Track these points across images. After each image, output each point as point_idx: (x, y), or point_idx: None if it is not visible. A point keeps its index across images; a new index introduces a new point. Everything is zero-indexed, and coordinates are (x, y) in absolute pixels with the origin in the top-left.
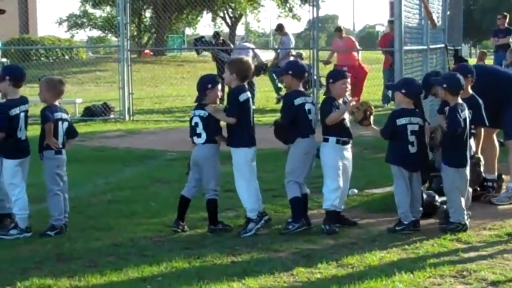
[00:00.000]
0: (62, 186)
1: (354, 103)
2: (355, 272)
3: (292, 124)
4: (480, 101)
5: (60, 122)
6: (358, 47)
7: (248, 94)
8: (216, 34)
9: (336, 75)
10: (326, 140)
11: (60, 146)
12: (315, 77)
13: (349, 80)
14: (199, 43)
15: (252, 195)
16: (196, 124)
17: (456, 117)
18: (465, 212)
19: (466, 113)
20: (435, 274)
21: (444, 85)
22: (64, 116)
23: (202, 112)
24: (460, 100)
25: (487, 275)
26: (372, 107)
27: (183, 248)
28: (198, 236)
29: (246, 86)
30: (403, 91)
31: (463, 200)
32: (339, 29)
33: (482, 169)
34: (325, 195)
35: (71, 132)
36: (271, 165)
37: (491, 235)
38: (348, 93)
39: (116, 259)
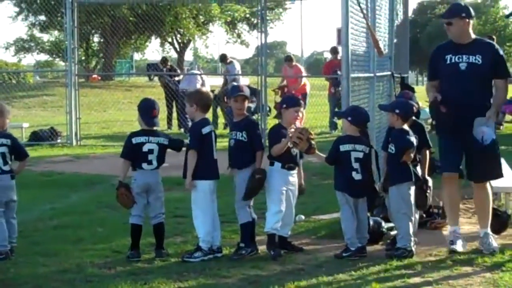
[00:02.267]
0: (5, 211)
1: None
2: None
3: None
4: (423, 125)
5: None
6: (305, 74)
7: (211, 127)
8: (164, 60)
9: (290, 101)
10: (271, 164)
11: None
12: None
13: (302, 108)
14: (151, 68)
15: (206, 226)
16: (151, 150)
17: (405, 136)
18: (412, 238)
19: (413, 138)
20: None
21: (397, 111)
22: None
23: (161, 139)
24: (406, 127)
25: None
26: (312, 133)
27: (129, 274)
28: (145, 261)
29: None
30: (349, 118)
31: (411, 226)
32: (289, 58)
33: (430, 192)
34: (267, 218)
35: (17, 155)
36: (218, 190)
37: (437, 261)
38: (297, 121)
39: (62, 285)
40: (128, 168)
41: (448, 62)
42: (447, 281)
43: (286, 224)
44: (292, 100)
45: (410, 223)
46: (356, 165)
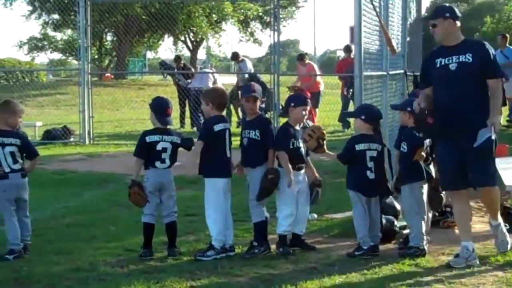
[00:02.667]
0: (17, 209)
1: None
2: None
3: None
4: None
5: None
6: (318, 73)
7: (226, 125)
8: (177, 58)
9: (297, 100)
10: (280, 165)
11: (7, 170)
12: (275, 101)
13: (309, 107)
14: (163, 66)
15: (218, 225)
16: (164, 149)
17: (417, 135)
18: (424, 237)
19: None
20: None
21: (409, 109)
22: (7, 140)
23: (175, 138)
24: None
25: None
26: (324, 133)
27: (142, 273)
28: (157, 260)
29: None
30: (363, 117)
31: (423, 225)
32: (302, 57)
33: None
34: (279, 221)
35: (28, 154)
36: (231, 189)
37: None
38: (306, 118)
39: (75, 283)
40: (141, 167)
41: (438, 65)
42: (459, 279)
43: (300, 222)
44: (299, 99)
45: (422, 222)
46: (370, 164)
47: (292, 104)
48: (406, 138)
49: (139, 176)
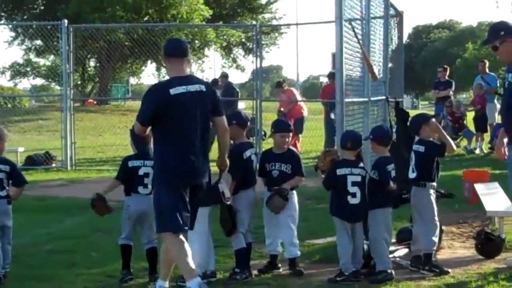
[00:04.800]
0: (2, 237)
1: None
2: None
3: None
4: None
5: None
6: (300, 98)
7: None
8: None
9: (278, 126)
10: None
11: None
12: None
13: (290, 134)
14: None
15: (202, 251)
16: (146, 174)
17: (384, 167)
18: (391, 261)
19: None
20: None
21: (371, 137)
22: None
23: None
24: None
25: None
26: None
27: None
28: (139, 286)
29: None
30: (342, 143)
31: (388, 250)
32: (279, 84)
33: None
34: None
35: (15, 180)
36: (213, 215)
37: (430, 286)
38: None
39: None
40: (115, 187)
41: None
42: None
43: (288, 245)
44: (280, 125)
45: (387, 247)
46: (353, 189)
47: (272, 130)
48: (375, 166)
49: (118, 202)
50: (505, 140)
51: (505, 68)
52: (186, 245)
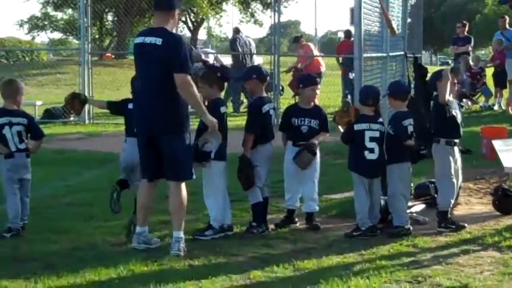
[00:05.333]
0: (20, 188)
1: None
2: (311, 276)
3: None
4: None
5: (7, 127)
6: (317, 53)
7: (225, 108)
8: None
9: (306, 81)
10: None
11: (13, 149)
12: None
13: (319, 86)
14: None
15: (217, 205)
16: None
17: (400, 122)
18: (408, 216)
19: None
20: (391, 279)
21: (388, 92)
22: (15, 120)
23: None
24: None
25: (442, 281)
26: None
27: (140, 251)
28: (156, 238)
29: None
30: (359, 99)
31: (405, 205)
32: (296, 39)
33: None
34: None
35: (33, 134)
36: (229, 169)
37: (447, 241)
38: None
39: (73, 262)
40: (101, 106)
41: None
42: (456, 260)
43: (306, 200)
44: (308, 79)
45: (405, 202)
46: (371, 145)
47: (301, 86)
48: (391, 120)
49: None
50: None
51: None
52: None
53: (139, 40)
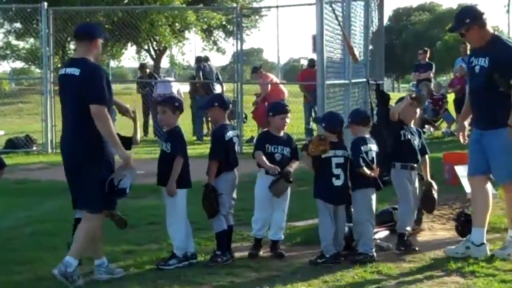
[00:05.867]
0: None
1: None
2: None
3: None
4: (421, 131)
5: None
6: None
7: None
8: (142, 66)
9: (276, 109)
10: (259, 170)
11: None
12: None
13: (289, 115)
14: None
15: (181, 233)
16: None
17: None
18: (373, 243)
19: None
20: None
21: (323, 125)
22: None
23: None
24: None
25: None
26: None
27: (104, 282)
28: (120, 269)
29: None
30: (323, 124)
31: (372, 232)
32: (254, 70)
33: (435, 194)
34: (252, 224)
35: None
36: (195, 197)
37: (411, 268)
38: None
39: None
40: None
41: None
42: (420, 286)
43: (274, 227)
44: (278, 107)
45: (371, 229)
46: (337, 171)
47: (271, 114)
48: (351, 146)
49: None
50: (466, 123)
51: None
52: None
53: (62, 71)
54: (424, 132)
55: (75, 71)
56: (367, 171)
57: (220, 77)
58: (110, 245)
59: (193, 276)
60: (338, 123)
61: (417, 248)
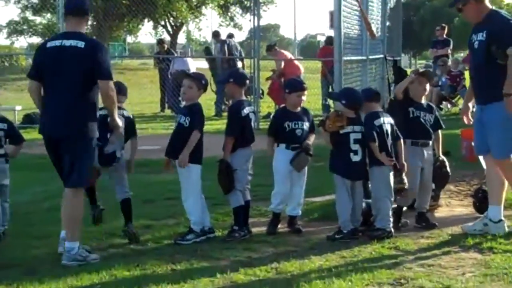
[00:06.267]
0: (0, 194)
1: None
2: (293, 279)
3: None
4: (434, 106)
5: None
6: (291, 57)
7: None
8: (161, 42)
9: (293, 86)
10: (277, 145)
11: None
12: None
13: (305, 92)
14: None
15: (197, 208)
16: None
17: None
18: (391, 219)
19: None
20: (373, 282)
21: (343, 102)
22: None
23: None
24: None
25: (424, 283)
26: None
27: (122, 256)
28: (138, 243)
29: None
30: (343, 101)
31: (390, 207)
32: (269, 48)
33: (447, 170)
34: (271, 199)
35: (12, 139)
36: (211, 173)
37: (429, 244)
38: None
39: (55, 267)
40: None
41: None
42: (438, 262)
43: (292, 203)
44: (295, 84)
45: (389, 204)
46: (355, 147)
47: (287, 91)
48: (364, 122)
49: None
50: (470, 104)
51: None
52: None
53: (53, 43)
54: (441, 109)
55: (78, 43)
56: (385, 159)
57: (242, 53)
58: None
59: (211, 251)
60: (359, 100)
61: (436, 224)
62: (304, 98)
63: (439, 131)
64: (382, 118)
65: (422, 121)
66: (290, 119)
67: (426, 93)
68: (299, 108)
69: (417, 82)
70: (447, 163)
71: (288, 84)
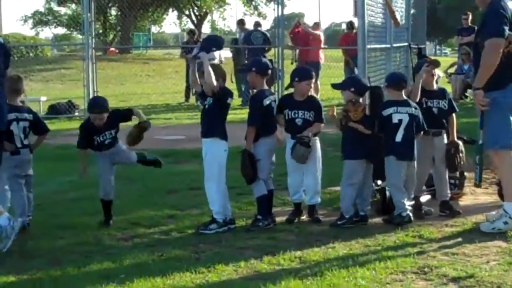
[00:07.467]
0: (24, 185)
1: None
2: (317, 268)
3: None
4: (446, 90)
5: (14, 123)
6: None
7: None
8: (191, 32)
9: (302, 74)
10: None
11: (18, 146)
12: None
13: (313, 80)
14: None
15: (220, 198)
16: None
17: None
18: (407, 205)
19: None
20: (397, 271)
21: (352, 89)
22: (22, 116)
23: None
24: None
25: (448, 272)
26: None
27: (146, 246)
28: (162, 233)
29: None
30: (352, 89)
31: (404, 194)
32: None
33: (461, 155)
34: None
35: (37, 129)
36: (235, 162)
37: (452, 232)
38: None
39: (79, 257)
40: None
41: None
42: (462, 250)
43: (309, 192)
44: (304, 73)
45: (400, 192)
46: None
47: (296, 79)
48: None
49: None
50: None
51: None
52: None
53: None
54: (466, 97)
55: None
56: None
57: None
58: (152, 210)
59: (235, 240)
60: (364, 85)
61: (460, 211)
62: (312, 85)
63: (453, 115)
64: (392, 108)
65: (435, 110)
66: (291, 107)
67: (436, 78)
68: (305, 97)
69: (426, 72)
70: (461, 147)
71: (298, 73)
